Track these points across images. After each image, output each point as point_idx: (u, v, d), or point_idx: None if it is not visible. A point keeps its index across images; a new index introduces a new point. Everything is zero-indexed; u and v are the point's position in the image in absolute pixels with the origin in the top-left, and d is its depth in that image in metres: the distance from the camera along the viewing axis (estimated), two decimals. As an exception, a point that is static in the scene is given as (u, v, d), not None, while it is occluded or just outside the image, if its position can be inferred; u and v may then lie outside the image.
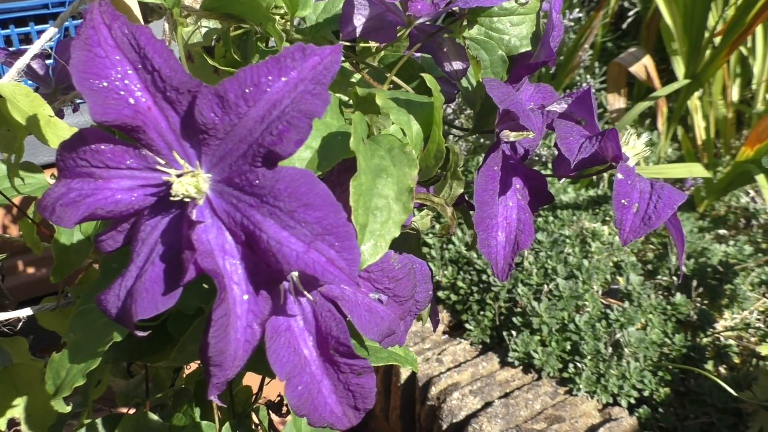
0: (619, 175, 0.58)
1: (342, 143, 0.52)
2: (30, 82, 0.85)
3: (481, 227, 0.61)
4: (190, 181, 0.45)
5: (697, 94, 2.43)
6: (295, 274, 0.51)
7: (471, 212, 0.63)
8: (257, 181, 0.44)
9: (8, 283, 1.41)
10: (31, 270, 1.50)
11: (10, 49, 1.29)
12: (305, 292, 0.51)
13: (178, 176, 0.45)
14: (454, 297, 1.89)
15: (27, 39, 1.36)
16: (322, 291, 0.52)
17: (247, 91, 0.43)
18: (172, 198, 0.45)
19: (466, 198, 0.72)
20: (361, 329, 0.53)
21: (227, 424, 0.76)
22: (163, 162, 0.46)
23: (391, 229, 0.49)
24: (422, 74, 0.54)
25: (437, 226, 2.03)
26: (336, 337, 0.52)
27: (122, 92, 0.44)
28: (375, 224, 0.49)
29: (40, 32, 1.33)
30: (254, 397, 0.84)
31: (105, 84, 0.43)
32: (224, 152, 0.45)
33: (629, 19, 3.01)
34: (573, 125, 0.61)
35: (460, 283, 1.87)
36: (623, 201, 0.57)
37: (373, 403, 0.52)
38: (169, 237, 0.47)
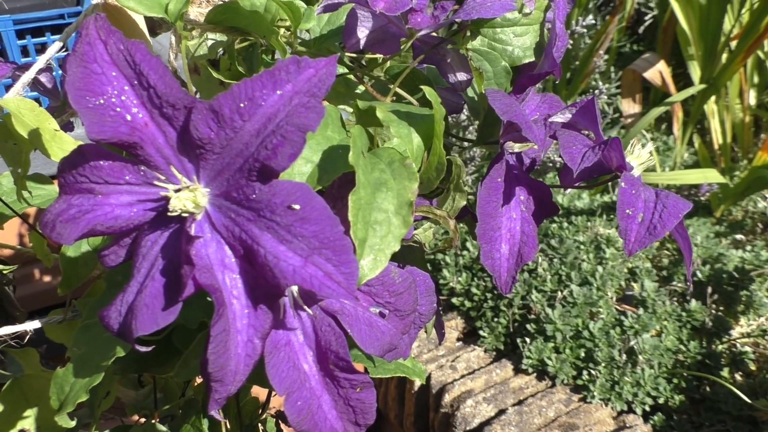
0: (623, 185, 0.57)
1: (343, 157, 0.51)
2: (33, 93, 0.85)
3: (485, 239, 0.60)
4: (188, 196, 0.45)
5: (713, 98, 2.41)
6: (294, 288, 0.51)
7: (477, 223, 0.62)
8: (254, 195, 0.44)
9: (21, 292, 1.42)
10: (43, 279, 1.51)
11: (23, 60, 1.30)
12: (305, 307, 0.51)
13: (177, 191, 0.45)
14: (468, 303, 1.88)
15: (44, 49, 1.37)
16: (321, 305, 0.52)
17: (242, 105, 0.43)
18: (170, 213, 0.45)
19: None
20: (362, 344, 0.53)
21: (234, 435, 0.76)
22: (161, 177, 0.46)
23: (391, 244, 0.49)
24: (422, 86, 0.54)
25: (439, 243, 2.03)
26: (336, 351, 0.51)
27: (119, 109, 0.44)
28: (374, 239, 0.49)
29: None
30: (262, 408, 0.84)
31: (101, 101, 0.43)
32: (222, 166, 0.45)
33: (646, 24, 2.99)
34: (576, 134, 0.60)
35: (474, 290, 1.87)
36: (628, 211, 0.57)
37: (374, 418, 0.52)
38: (168, 252, 0.47)
